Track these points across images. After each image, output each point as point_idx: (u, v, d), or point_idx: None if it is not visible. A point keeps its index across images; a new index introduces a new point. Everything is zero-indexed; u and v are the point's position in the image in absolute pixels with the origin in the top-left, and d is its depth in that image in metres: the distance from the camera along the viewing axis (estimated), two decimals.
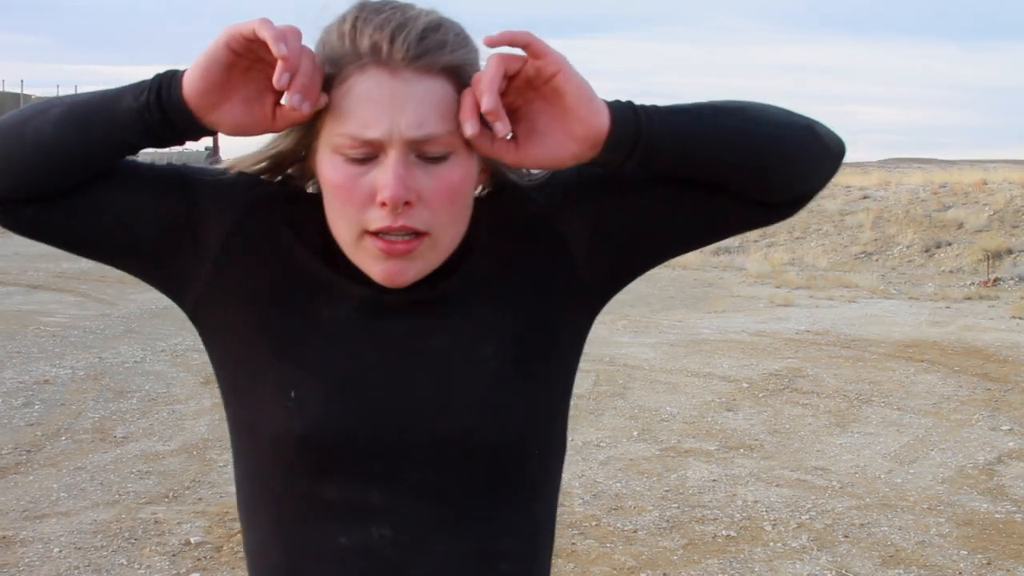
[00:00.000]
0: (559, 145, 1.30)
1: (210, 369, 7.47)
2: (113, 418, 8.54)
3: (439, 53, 1.29)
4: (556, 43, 1.31)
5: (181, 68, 1.28)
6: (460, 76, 1.31)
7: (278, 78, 1.21)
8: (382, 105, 1.27)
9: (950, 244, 22.89)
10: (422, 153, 1.29)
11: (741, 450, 7.72)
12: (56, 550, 5.64)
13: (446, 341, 1.39)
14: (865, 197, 29.21)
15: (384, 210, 1.28)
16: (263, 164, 1.41)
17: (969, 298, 17.26)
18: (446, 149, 1.30)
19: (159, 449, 7.62)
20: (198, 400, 9.17)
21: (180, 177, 1.42)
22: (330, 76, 1.30)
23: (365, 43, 1.28)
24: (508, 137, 1.31)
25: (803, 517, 6.30)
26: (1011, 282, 18.79)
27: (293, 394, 1.35)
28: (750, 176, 1.35)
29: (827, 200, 29.20)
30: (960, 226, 23.88)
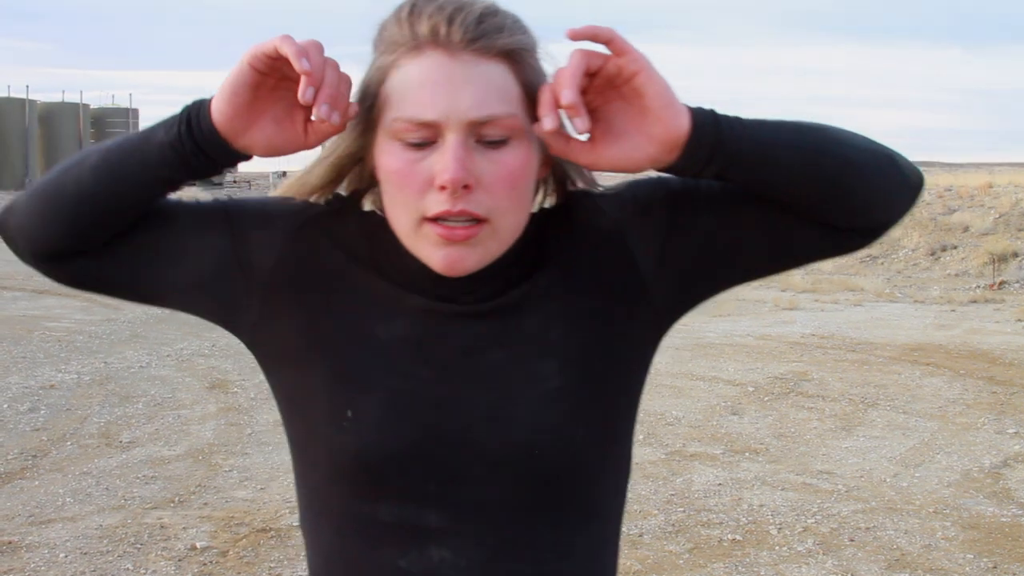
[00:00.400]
0: (636, 147, 1.26)
1: (216, 374, 7.46)
2: (119, 423, 8.55)
3: (497, 36, 1.28)
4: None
5: (208, 96, 1.27)
6: (517, 61, 1.30)
7: (303, 93, 1.20)
8: (440, 87, 1.25)
9: (956, 247, 22.87)
10: (481, 137, 1.27)
11: (747, 454, 7.72)
12: (62, 555, 5.65)
13: (504, 357, 1.35)
14: None
15: (443, 194, 1.25)
16: (324, 174, 1.39)
17: (975, 301, 17.23)
18: (505, 133, 1.27)
19: (165, 454, 7.62)
20: (204, 405, 9.17)
21: (224, 210, 1.41)
22: (387, 64, 1.30)
23: (424, 26, 1.27)
24: (584, 136, 1.28)
25: (809, 521, 6.29)
26: (1017, 285, 18.76)
27: (350, 414, 1.33)
28: (828, 195, 1.30)
29: None
30: (966, 229, 23.85)
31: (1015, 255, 20.85)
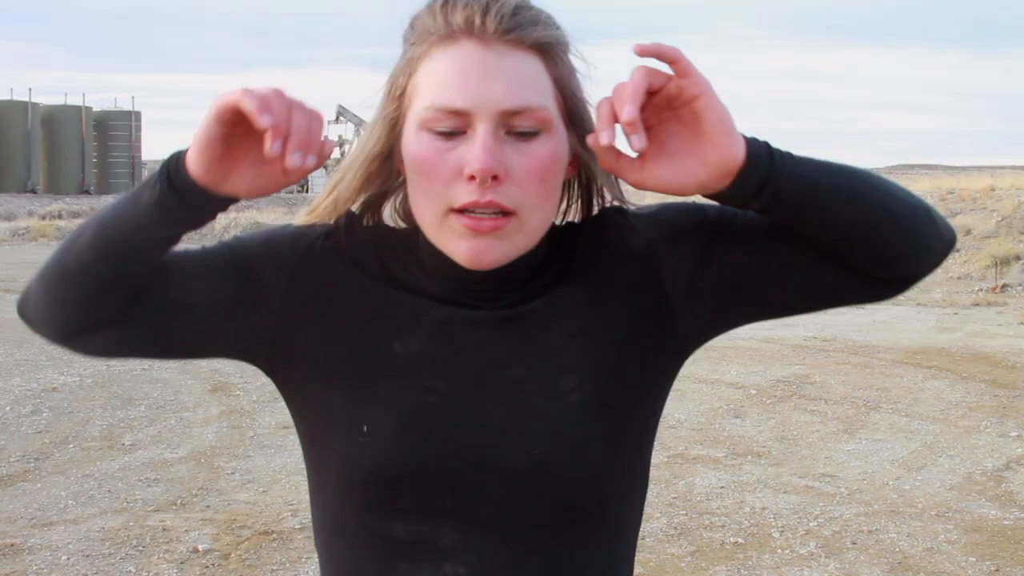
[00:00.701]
0: (687, 170, 1.25)
1: (219, 377, 7.47)
2: (121, 426, 8.56)
3: (532, 28, 1.27)
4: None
5: (184, 148, 1.25)
6: (550, 55, 1.29)
7: (268, 148, 1.17)
8: (472, 76, 1.25)
9: (958, 250, 22.80)
10: (511, 128, 1.26)
11: (749, 457, 7.71)
12: (64, 558, 5.65)
13: (525, 371, 1.33)
14: None
15: (471, 185, 1.24)
16: (354, 180, 1.38)
17: (977, 304, 17.23)
18: (536, 125, 1.27)
19: (167, 457, 7.63)
20: (206, 408, 9.18)
21: (228, 250, 1.41)
22: (418, 54, 1.30)
23: (458, 16, 1.27)
24: (634, 154, 1.26)
25: (811, 524, 6.29)
26: (1019, 288, 18.75)
27: (365, 429, 1.31)
28: (867, 241, 1.30)
29: None
30: (968, 232, 23.84)
31: (1018, 258, 20.83)
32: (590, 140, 1.26)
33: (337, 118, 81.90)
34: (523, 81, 1.26)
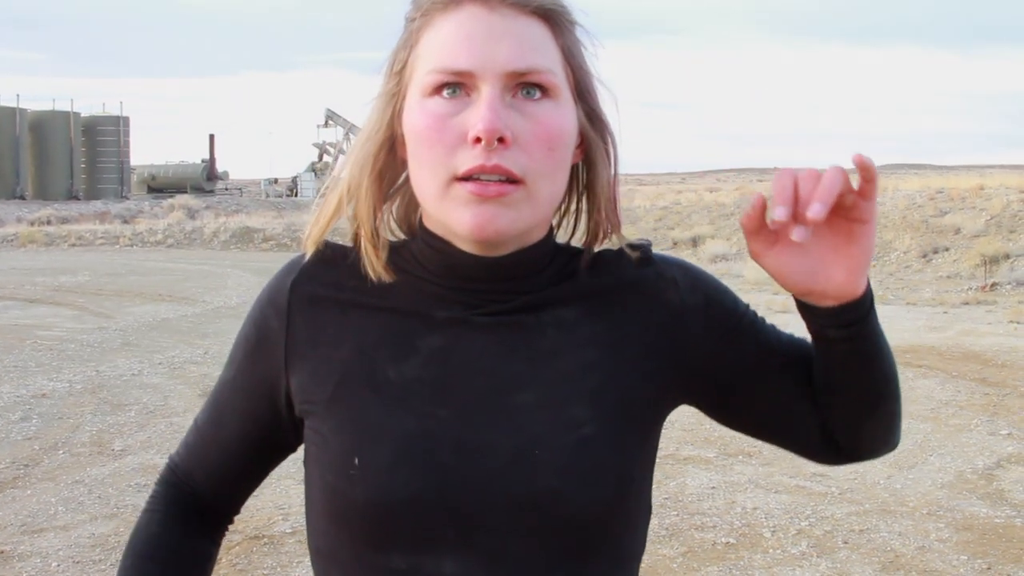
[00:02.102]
0: (809, 273, 1.26)
1: (208, 381, 7.47)
2: (111, 431, 8.54)
3: None
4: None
5: None
6: (557, 24, 1.25)
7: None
8: (476, 37, 1.21)
9: (947, 249, 22.92)
10: (518, 93, 1.22)
11: (740, 457, 7.72)
12: (54, 564, 5.63)
13: (534, 398, 1.27)
14: None
15: (477, 148, 1.19)
16: (361, 173, 1.32)
17: (967, 303, 17.27)
18: (544, 87, 1.23)
19: (157, 462, 7.60)
20: (196, 412, 9.13)
21: (232, 380, 1.42)
22: (419, 26, 1.26)
23: None
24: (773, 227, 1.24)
25: (802, 523, 6.29)
26: (1009, 287, 18.80)
27: (357, 462, 1.25)
28: (875, 409, 1.37)
29: None
30: (957, 231, 23.90)
31: (1007, 257, 20.89)
32: (755, 203, 1.25)
33: (326, 122, 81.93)
34: (530, 44, 1.22)
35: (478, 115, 1.19)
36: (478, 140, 1.19)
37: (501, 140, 1.19)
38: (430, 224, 1.32)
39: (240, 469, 1.45)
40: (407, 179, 1.32)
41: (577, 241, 1.38)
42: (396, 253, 1.34)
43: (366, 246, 1.32)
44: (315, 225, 1.37)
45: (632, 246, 1.37)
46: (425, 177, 1.24)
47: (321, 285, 1.35)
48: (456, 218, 1.22)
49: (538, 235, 1.31)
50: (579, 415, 1.28)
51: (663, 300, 1.35)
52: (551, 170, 1.24)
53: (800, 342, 1.41)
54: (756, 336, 1.39)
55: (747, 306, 1.40)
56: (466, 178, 1.20)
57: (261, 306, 1.38)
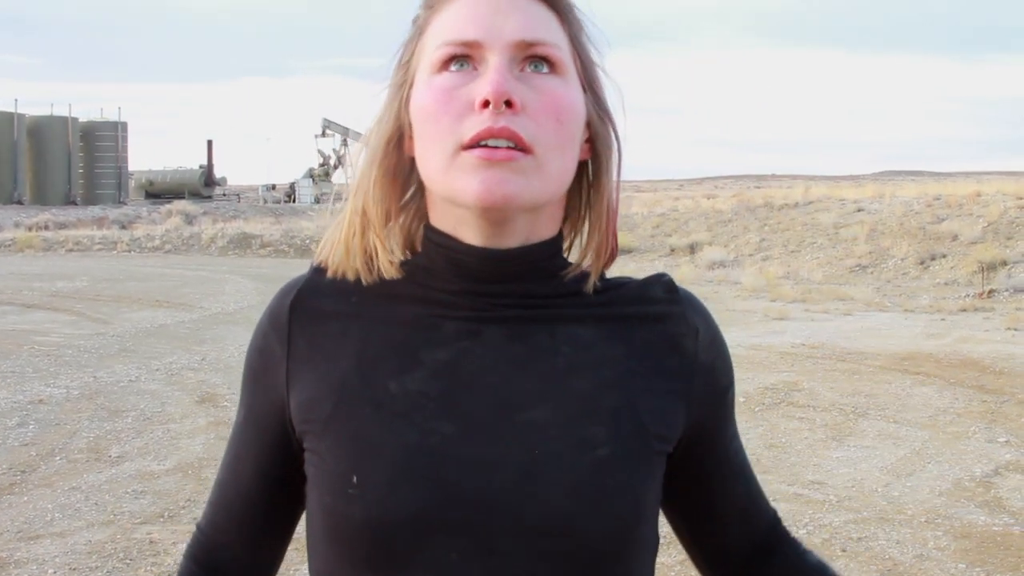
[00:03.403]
0: None
1: (206, 388, 7.43)
2: (108, 438, 8.52)
3: None
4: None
5: None
6: (564, 14, 1.25)
7: None
8: (484, 12, 1.19)
9: (945, 256, 22.94)
10: (525, 67, 1.20)
11: None
12: (51, 571, 5.62)
13: (547, 415, 1.22)
14: (859, 210, 29.26)
15: (484, 112, 1.15)
16: (373, 167, 1.28)
17: (964, 310, 17.28)
18: (552, 60, 1.20)
19: (154, 468, 7.59)
20: (193, 419, 9.15)
21: (241, 430, 1.37)
22: (426, 16, 1.25)
23: None
24: None
25: (800, 531, 6.28)
26: (1006, 293, 18.82)
27: (355, 479, 1.20)
28: None
29: (821, 213, 29.28)
30: (955, 238, 23.92)
31: (1004, 263, 20.91)
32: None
33: (324, 132, 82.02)
34: (537, 19, 1.21)
35: (486, 80, 1.17)
36: (485, 104, 1.16)
37: (509, 105, 1.16)
38: (435, 220, 1.28)
39: (265, 517, 1.37)
40: (411, 195, 1.30)
41: (575, 255, 1.34)
42: (401, 266, 1.29)
43: (374, 240, 1.28)
44: (337, 227, 1.32)
45: (657, 279, 1.35)
46: (431, 152, 1.21)
47: (322, 300, 1.31)
48: (463, 186, 1.18)
49: (546, 231, 1.27)
50: (595, 435, 1.22)
51: (681, 345, 1.31)
52: (560, 143, 1.21)
53: (749, 473, 1.42)
54: (729, 427, 1.38)
55: (734, 395, 1.38)
56: (473, 146, 1.17)
57: (262, 332, 1.34)
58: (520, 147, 1.17)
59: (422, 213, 1.30)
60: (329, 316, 1.30)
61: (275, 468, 1.33)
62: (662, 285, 1.34)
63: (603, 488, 1.20)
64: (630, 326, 1.30)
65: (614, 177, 1.31)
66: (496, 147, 1.16)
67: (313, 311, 1.30)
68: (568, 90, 1.22)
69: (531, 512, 1.18)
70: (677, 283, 1.36)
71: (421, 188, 1.30)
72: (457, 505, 1.18)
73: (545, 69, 1.21)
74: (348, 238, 1.30)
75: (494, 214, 1.20)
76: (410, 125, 1.26)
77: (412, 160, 1.28)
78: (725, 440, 1.38)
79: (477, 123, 1.16)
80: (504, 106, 1.16)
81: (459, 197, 1.19)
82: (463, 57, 1.20)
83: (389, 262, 1.28)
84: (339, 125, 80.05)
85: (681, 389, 1.30)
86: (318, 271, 1.33)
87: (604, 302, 1.30)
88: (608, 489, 1.21)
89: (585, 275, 1.30)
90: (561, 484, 1.19)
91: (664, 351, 1.30)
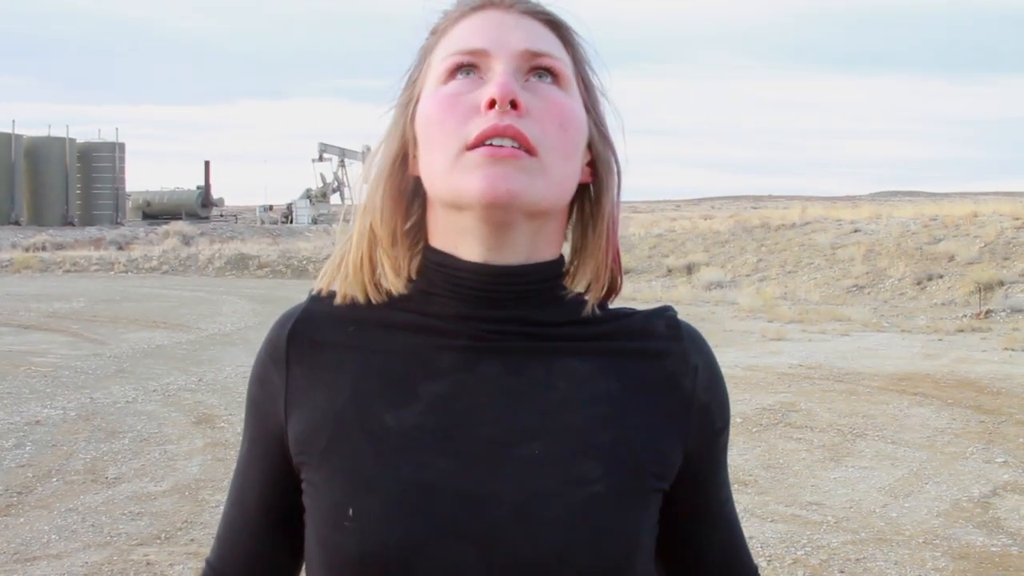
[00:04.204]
0: None
1: (203, 409, 7.41)
2: (105, 459, 8.50)
3: (548, 7, 1.27)
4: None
5: None
6: (568, 38, 1.28)
7: None
8: (490, 27, 1.23)
9: (942, 276, 22.96)
10: (530, 77, 1.22)
11: (735, 485, 7.69)
12: None
13: (541, 450, 1.21)
14: (856, 231, 29.31)
15: (490, 113, 1.17)
16: (381, 188, 1.28)
17: (961, 330, 17.28)
18: (556, 71, 1.23)
19: (151, 490, 7.58)
20: (190, 440, 9.13)
21: (247, 453, 1.35)
22: (434, 41, 1.27)
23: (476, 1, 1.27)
24: None
25: (798, 552, 6.27)
26: (1003, 314, 18.83)
27: (351, 512, 1.19)
28: None
29: (818, 234, 29.31)
30: (951, 258, 23.95)
31: (1001, 284, 20.93)
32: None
33: (320, 156, 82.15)
34: (542, 36, 1.24)
35: (491, 82, 1.18)
36: (491, 105, 1.17)
37: (515, 106, 1.17)
38: (436, 241, 1.27)
39: (273, 550, 1.36)
40: (413, 223, 1.29)
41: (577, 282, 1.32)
42: (398, 297, 1.28)
43: (381, 256, 1.28)
44: (346, 243, 1.31)
45: (661, 313, 1.33)
46: (436, 155, 1.21)
47: (319, 330, 1.30)
48: (467, 183, 1.18)
49: (547, 251, 1.27)
50: (590, 471, 1.21)
51: (679, 384, 1.29)
52: (564, 149, 1.21)
53: (734, 525, 1.40)
54: (719, 473, 1.36)
55: (728, 439, 1.36)
56: (478, 145, 1.17)
57: (261, 362, 1.33)
58: (525, 147, 1.17)
59: (424, 242, 1.30)
60: (326, 346, 1.29)
61: (280, 500, 1.32)
62: (665, 320, 1.32)
63: (598, 525, 1.19)
64: (628, 361, 1.28)
65: (615, 199, 1.31)
66: (501, 146, 1.16)
67: (310, 341, 1.30)
68: (572, 100, 1.24)
69: (526, 548, 1.17)
70: (681, 318, 1.34)
71: (423, 215, 1.30)
72: (452, 540, 1.17)
73: (549, 80, 1.23)
74: (356, 257, 1.29)
75: (498, 213, 1.19)
76: (415, 142, 1.26)
77: (415, 181, 1.28)
78: (713, 486, 1.36)
79: (482, 123, 1.17)
80: (509, 107, 1.17)
81: (463, 195, 1.19)
82: (469, 66, 1.22)
83: (396, 276, 1.27)
84: (335, 147, 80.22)
85: (678, 428, 1.28)
86: (316, 300, 1.32)
87: (605, 333, 1.29)
88: (604, 526, 1.20)
89: (584, 301, 1.29)
90: (556, 521, 1.18)
91: (661, 388, 1.28)
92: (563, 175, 1.22)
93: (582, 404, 1.24)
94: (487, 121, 1.17)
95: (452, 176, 1.19)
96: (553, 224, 1.27)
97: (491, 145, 1.16)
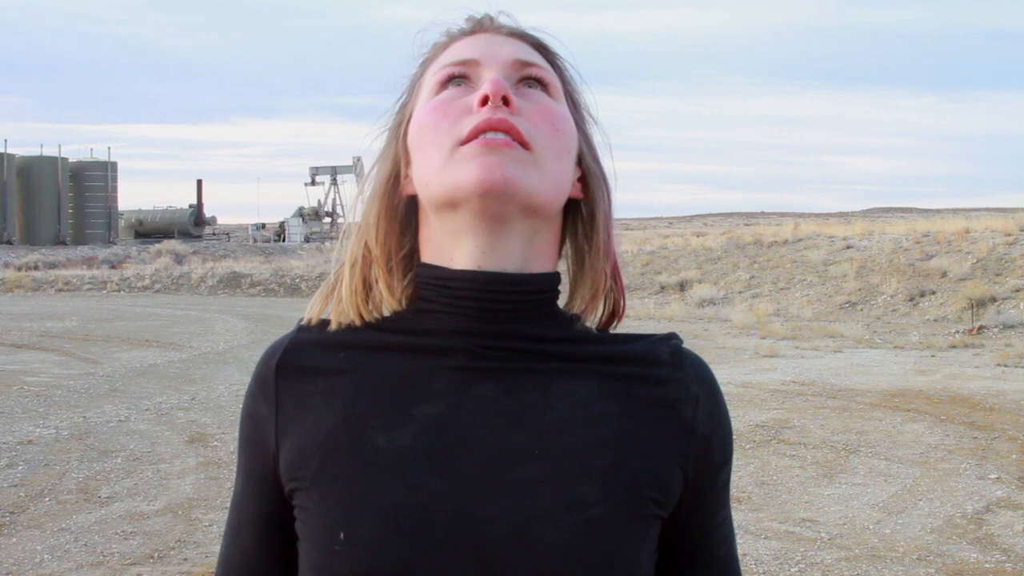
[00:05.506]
0: None
1: (196, 428, 7.40)
2: (97, 478, 8.48)
3: (533, 32, 1.31)
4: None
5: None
6: (555, 61, 1.31)
7: None
8: (479, 43, 1.27)
9: (934, 293, 23.00)
10: (520, 86, 1.25)
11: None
12: None
13: (537, 472, 1.19)
14: (849, 247, 29.36)
15: (483, 109, 1.18)
16: (375, 208, 1.28)
17: (954, 346, 17.31)
18: (544, 82, 1.26)
19: (144, 509, 7.56)
20: (183, 459, 9.11)
21: (245, 467, 1.34)
22: (425, 68, 1.31)
23: (467, 24, 1.31)
24: None
25: (792, 569, 6.27)
26: (995, 330, 18.86)
27: (342, 536, 1.17)
28: None
29: (811, 251, 29.35)
30: (944, 275, 24.00)
31: (993, 300, 20.97)
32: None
33: (312, 180, 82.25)
34: (532, 54, 1.28)
35: (485, 80, 1.22)
36: (484, 102, 1.19)
37: (507, 103, 1.19)
38: (429, 255, 1.27)
39: None
40: (407, 251, 1.29)
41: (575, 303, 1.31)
42: (393, 314, 1.28)
43: (378, 275, 1.27)
44: (344, 263, 1.31)
45: (665, 340, 1.31)
46: (429, 155, 1.21)
47: (308, 358, 1.29)
48: (462, 175, 1.17)
49: (542, 261, 1.26)
50: (587, 494, 1.19)
51: (679, 412, 1.27)
52: (556, 148, 1.22)
53: (733, 567, 1.40)
54: (719, 510, 1.35)
55: (729, 475, 1.35)
56: (472, 139, 1.18)
57: (251, 396, 1.32)
58: (519, 140, 1.18)
59: (417, 264, 1.30)
60: (317, 373, 1.27)
61: (277, 532, 1.30)
62: (669, 347, 1.30)
63: (597, 550, 1.17)
64: (629, 385, 1.26)
65: (608, 214, 1.30)
66: (495, 138, 1.17)
67: (300, 369, 1.28)
68: (562, 107, 1.26)
69: (521, 571, 1.15)
70: (685, 347, 1.32)
71: (416, 243, 1.30)
72: (446, 562, 1.16)
73: (539, 88, 1.25)
74: (350, 281, 1.29)
75: (494, 203, 1.18)
76: (407, 160, 1.27)
77: (408, 202, 1.29)
78: (711, 524, 1.34)
79: (475, 119, 1.18)
80: (502, 102, 1.18)
81: (459, 186, 1.18)
82: (461, 77, 1.24)
83: (391, 294, 1.27)
84: (326, 168, 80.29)
85: (678, 455, 1.26)
86: (304, 330, 1.31)
87: (605, 355, 1.27)
88: (602, 551, 1.18)
89: (581, 319, 1.28)
90: (554, 544, 1.16)
91: (662, 414, 1.26)
92: (557, 173, 1.22)
93: (580, 426, 1.22)
94: (480, 116, 1.18)
95: (447, 171, 1.19)
96: (546, 234, 1.27)
97: (485, 138, 1.17)
